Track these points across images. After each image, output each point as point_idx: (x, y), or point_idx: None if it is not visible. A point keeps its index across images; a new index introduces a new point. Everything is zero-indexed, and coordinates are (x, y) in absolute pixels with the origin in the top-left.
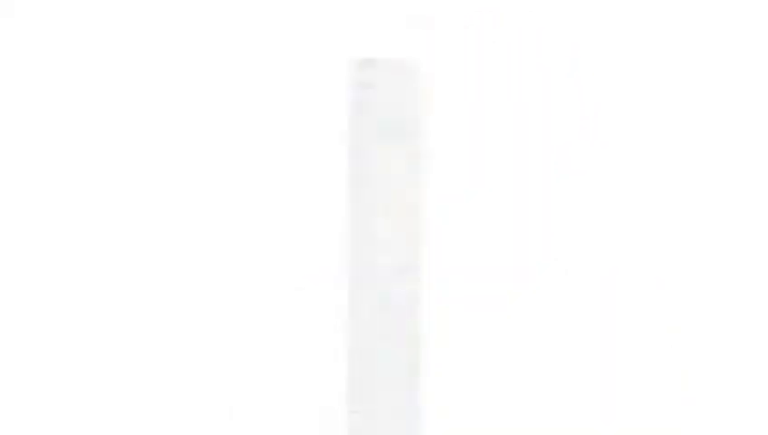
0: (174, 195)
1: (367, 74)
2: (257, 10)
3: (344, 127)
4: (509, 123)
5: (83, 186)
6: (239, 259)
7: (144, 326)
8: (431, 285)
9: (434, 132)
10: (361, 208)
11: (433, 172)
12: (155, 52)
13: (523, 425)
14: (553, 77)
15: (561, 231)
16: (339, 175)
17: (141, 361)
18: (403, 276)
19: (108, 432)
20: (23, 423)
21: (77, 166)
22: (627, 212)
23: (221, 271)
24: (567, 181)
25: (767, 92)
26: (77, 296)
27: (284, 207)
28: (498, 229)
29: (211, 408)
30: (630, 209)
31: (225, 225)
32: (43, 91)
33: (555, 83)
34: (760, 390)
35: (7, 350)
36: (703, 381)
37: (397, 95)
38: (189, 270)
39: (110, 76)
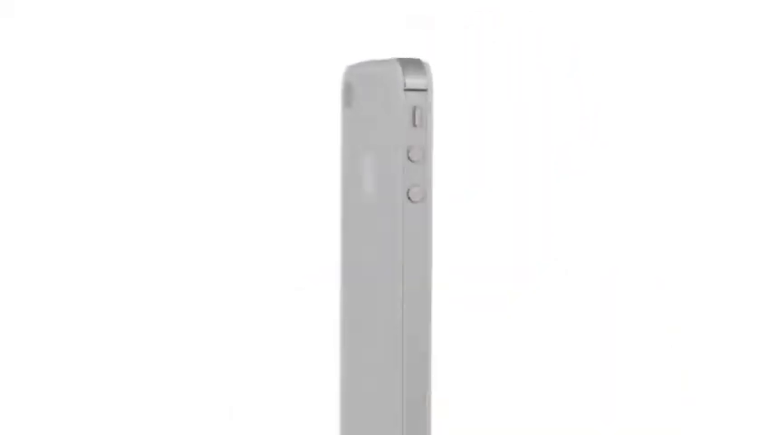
0: (189, 192)
1: (419, 79)
2: (254, 13)
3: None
4: (509, 123)
5: (81, 185)
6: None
7: (136, 327)
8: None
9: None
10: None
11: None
12: (160, 53)
13: (523, 425)
14: (553, 77)
15: (561, 231)
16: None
17: (131, 362)
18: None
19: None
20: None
21: (76, 166)
22: (627, 212)
23: (229, 272)
24: (567, 181)
25: (767, 92)
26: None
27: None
28: (498, 229)
29: (208, 408)
30: (630, 209)
31: (248, 228)
32: (43, 91)
33: (555, 83)
34: (760, 390)
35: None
36: (703, 381)
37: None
38: (189, 269)
39: (111, 77)
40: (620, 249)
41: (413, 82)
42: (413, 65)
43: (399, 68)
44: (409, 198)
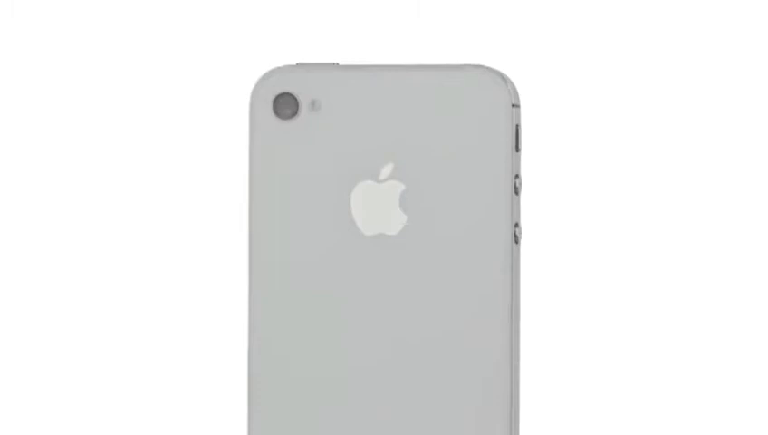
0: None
1: (516, 93)
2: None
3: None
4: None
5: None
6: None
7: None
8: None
9: None
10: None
11: None
12: (154, 52)
13: (523, 425)
14: (554, 77)
15: (561, 231)
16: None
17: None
18: None
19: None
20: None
21: (75, 165)
22: (627, 212)
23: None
24: (569, 181)
25: (767, 92)
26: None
27: None
28: None
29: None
30: (630, 209)
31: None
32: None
33: (556, 83)
34: (760, 390)
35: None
36: (703, 380)
37: None
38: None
39: (108, 76)
40: (620, 249)
41: (516, 97)
42: (503, 77)
43: (502, 80)
44: (516, 236)
